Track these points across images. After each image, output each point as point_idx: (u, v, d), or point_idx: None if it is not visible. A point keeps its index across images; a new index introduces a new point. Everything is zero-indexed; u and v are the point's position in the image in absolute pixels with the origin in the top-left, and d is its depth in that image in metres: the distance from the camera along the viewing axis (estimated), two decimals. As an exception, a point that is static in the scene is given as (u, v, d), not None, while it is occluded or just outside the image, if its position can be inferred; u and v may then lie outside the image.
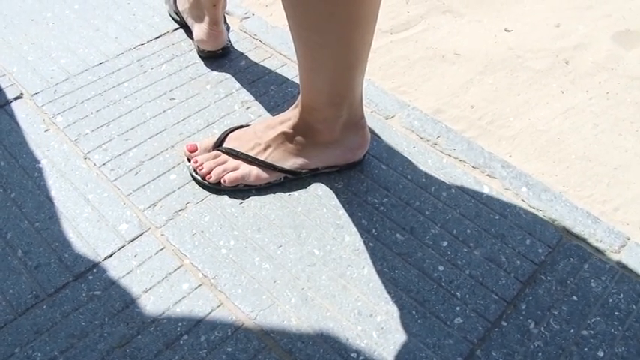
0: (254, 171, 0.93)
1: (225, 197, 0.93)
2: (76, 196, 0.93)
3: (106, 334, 0.76)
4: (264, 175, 0.93)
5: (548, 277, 0.85)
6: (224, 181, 0.92)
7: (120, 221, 0.90)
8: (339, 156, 0.95)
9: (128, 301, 0.80)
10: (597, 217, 0.93)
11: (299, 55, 0.82)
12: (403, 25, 1.39)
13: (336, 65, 0.80)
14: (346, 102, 0.87)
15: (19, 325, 0.77)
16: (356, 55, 0.79)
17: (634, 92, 1.22)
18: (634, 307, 0.82)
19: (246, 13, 1.33)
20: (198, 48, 1.19)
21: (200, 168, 0.93)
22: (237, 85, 1.14)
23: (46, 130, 1.03)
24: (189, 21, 1.21)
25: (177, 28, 1.28)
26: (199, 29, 1.17)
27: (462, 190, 0.96)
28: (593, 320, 0.80)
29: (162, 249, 0.86)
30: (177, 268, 0.84)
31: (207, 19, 1.15)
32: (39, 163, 0.97)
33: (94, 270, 0.83)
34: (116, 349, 0.75)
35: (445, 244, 0.88)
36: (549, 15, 1.44)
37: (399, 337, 0.78)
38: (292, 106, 0.93)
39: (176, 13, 1.27)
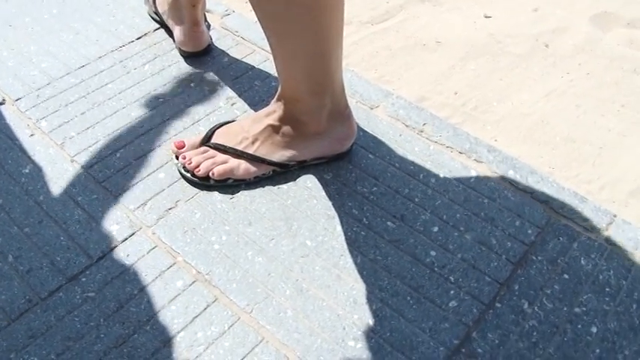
0: (243, 164, 0.93)
1: (215, 193, 0.93)
2: (65, 199, 0.92)
3: (102, 335, 0.76)
4: (252, 168, 0.93)
5: (539, 257, 0.86)
6: (213, 174, 0.92)
7: (110, 222, 0.89)
8: (326, 147, 0.95)
9: (123, 302, 0.80)
10: (584, 197, 0.94)
11: (270, 44, 0.83)
12: (383, 16, 1.40)
13: (308, 53, 0.81)
14: (327, 91, 0.87)
15: (13, 331, 0.77)
16: (326, 42, 0.80)
17: (614, 72, 1.24)
18: (624, 282, 0.83)
19: (226, 10, 1.33)
20: (180, 49, 1.19)
21: (189, 162, 0.93)
22: (221, 82, 1.14)
23: (31, 135, 1.02)
24: (170, 22, 1.20)
25: (158, 28, 1.27)
26: (180, 31, 1.16)
27: (450, 175, 0.97)
28: (585, 297, 0.81)
29: (154, 248, 0.86)
30: (171, 266, 0.84)
31: (187, 20, 1.14)
32: (25, 168, 0.97)
33: (87, 272, 0.83)
34: (113, 350, 0.75)
35: (436, 229, 0.89)
36: (526, 0, 1.46)
37: (395, 323, 0.78)
38: (274, 99, 0.93)
39: (156, 13, 1.26)
